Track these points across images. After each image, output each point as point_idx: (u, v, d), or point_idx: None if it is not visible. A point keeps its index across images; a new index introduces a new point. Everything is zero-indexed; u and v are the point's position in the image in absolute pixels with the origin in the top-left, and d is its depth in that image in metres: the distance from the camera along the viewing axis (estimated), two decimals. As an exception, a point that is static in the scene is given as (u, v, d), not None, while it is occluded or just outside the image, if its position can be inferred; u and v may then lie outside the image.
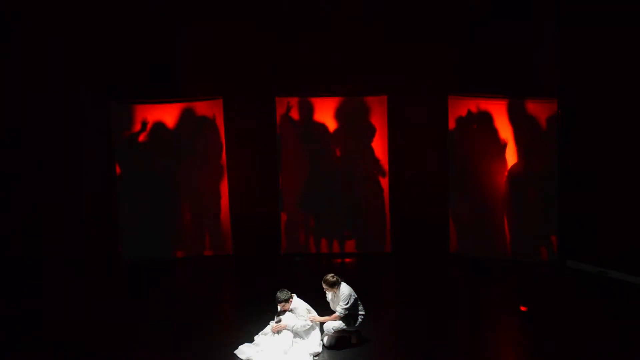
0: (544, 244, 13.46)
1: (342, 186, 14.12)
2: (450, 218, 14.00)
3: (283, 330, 10.78)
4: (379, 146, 13.94)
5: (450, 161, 13.86)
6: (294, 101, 13.90)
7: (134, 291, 13.18)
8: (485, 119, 13.53)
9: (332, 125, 13.97)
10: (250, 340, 10.94)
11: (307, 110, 13.96)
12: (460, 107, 13.65)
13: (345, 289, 10.96)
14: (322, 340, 10.98)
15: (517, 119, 13.34)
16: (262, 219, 15.31)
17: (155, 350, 10.97)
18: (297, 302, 10.96)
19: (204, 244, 14.25)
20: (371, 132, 13.93)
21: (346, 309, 10.88)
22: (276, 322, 10.86)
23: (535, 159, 13.32)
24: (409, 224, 15.14)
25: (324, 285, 10.96)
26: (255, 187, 15.58)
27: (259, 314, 11.60)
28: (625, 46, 12.48)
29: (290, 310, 10.90)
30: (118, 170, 13.90)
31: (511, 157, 13.47)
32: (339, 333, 10.99)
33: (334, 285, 10.92)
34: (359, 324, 11.03)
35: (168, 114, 13.88)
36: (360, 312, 11.02)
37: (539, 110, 13.19)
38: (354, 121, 13.96)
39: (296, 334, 10.84)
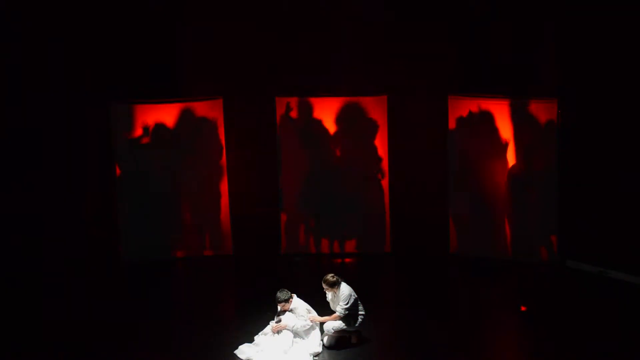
0: (544, 244, 13.46)
1: (342, 186, 14.12)
2: (450, 218, 14.00)
3: (283, 330, 10.78)
4: (379, 146, 13.94)
5: (450, 161, 13.86)
6: (294, 101, 13.90)
7: (134, 291, 13.18)
8: (486, 119, 13.53)
9: (332, 125, 13.98)
10: (250, 340, 10.94)
11: (307, 110, 13.97)
12: (460, 107, 13.65)
13: (345, 289, 10.96)
14: (322, 340, 10.98)
15: (517, 119, 13.34)
16: (262, 219, 15.31)
17: (155, 350, 10.97)
18: (297, 302, 10.96)
19: (204, 244, 14.25)
20: (371, 132, 13.93)
21: (346, 309, 10.88)
22: (276, 322, 10.86)
23: (535, 159, 13.32)
24: (409, 224, 15.14)
25: (324, 285, 10.97)
26: (255, 187, 15.58)
27: (259, 314, 11.60)
28: (625, 46, 12.48)
29: (290, 310, 10.90)
30: (118, 170, 13.90)
31: (511, 157, 13.47)
32: (339, 333, 10.99)
33: (334, 285, 10.92)
34: (359, 324, 11.03)
35: (168, 114, 13.88)
36: (360, 312, 11.02)
37: (539, 110, 13.19)
38: (354, 121, 13.96)
39: (296, 334, 10.84)
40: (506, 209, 13.62)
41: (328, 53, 15.28)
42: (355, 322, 11.00)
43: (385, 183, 14.03)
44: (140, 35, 14.95)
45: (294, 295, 11.00)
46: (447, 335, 11.28)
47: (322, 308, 11.13)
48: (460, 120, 13.69)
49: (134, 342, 11.24)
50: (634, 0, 12.33)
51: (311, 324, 10.91)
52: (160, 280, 13.50)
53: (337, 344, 10.98)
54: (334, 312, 10.99)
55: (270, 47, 15.39)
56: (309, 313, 11.00)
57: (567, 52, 13.19)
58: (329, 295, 11.08)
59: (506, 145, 13.48)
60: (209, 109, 13.91)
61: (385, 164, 13.96)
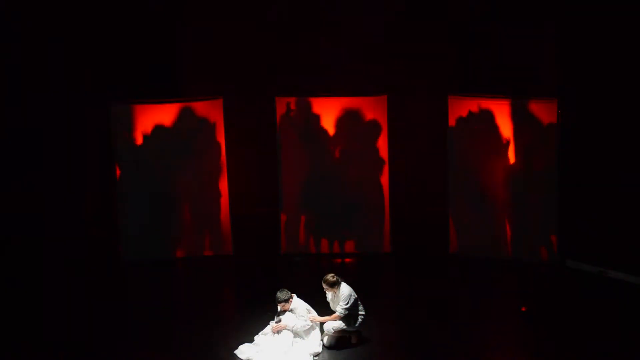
0: (544, 244, 13.46)
1: (342, 186, 14.12)
2: (450, 218, 14.00)
3: (283, 330, 10.78)
4: (379, 146, 13.94)
5: (450, 161, 13.86)
6: (294, 101, 13.90)
7: (134, 291, 13.18)
8: (486, 119, 13.53)
9: (331, 125, 13.98)
10: (250, 340, 10.94)
11: (307, 111, 13.97)
12: (460, 107, 13.65)
13: (345, 289, 10.96)
14: (322, 340, 10.98)
15: (517, 119, 13.34)
16: (262, 219, 15.31)
17: (155, 350, 10.97)
18: (297, 302, 10.96)
19: (204, 244, 14.25)
20: (371, 132, 13.93)
21: (346, 309, 10.88)
22: (276, 322, 10.86)
23: (535, 159, 13.32)
24: (409, 224, 15.14)
25: (324, 285, 10.97)
26: (255, 187, 15.58)
27: (259, 314, 11.60)
28: (625, 46, 12.48)
29: (290, 310, 10.90)
30: (118, 170, 13.91)
31: (511, 157, 13.47)
32: (339, 333, 10.99)
33: (334, 285, 10.92)
34: (359, 324, 11.03)
35: (168, 114, 13.88)
36: (360, 312, 11.02)
37: (539, 110, 13.19)
38: (353, 121, 13.96)
39: (296, 334, 10.84)
40: (506, 209, 13.62)
41: (328, 53, 15.29)
42: (355, 322, 11.00)
43: (385, 183, 14.03)
44: (140, 35, 14.95)
45: (294, 295, 11.00)
46: (447, 335, 11.28)
47: (322, 308, 11.13)
48: (460, 120, 13.69)
49: (134, 342, 11.24)
50: (633, 1, 12.34)
51: (311, 324, 10.91)
52: (160, 280, 13.50)
53: (337, 344, 10.98)
54: (334, 312, 10.99)
55: (270, 47, 15.39)
56: (309, 313, 11.00)
57: (567, 52, 13.19)
58: (329, 295, 11.08)
59: (506, 145, 13.48)
60: (209, 109, 13.91)
61: (385, 164, 13.96)
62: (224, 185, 14.08)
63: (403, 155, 14.85)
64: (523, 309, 12.03)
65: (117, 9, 14.76)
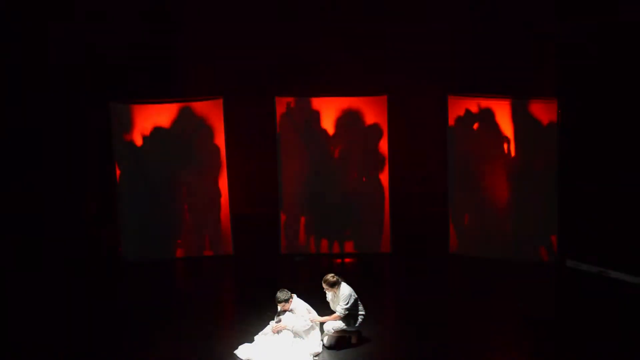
0: (544, 244, 13.46)
1: (342, 186, 14.12)
2: (450, 218, 14.00)
3: (283, 330, 10.78)
4: (379, 146, 13.94)
5: (450, 161, 13.87)
6: (294, 101, 13.90)
7: (134, 291, 13.18)
8: (486, 119, 13.53)
9: (331, 125, 13.98)
10: (250, 340, 10.94)
11: (307, 111, 13.97)
12: (460, 107, 13.65)
13: (345, 289, 10.96)
14: (322, 340, 10.98)
15: (517, 119, 13.34)
16: (262, 219, 15.30)
17: (155, 350, 10.97)
18: (297, 302, 10.96)
19: (204, 244, 14.25)
20: (371, 132, 13.93)
21: (346, 309, 10.88)
22: (276, 322, 10.86)
23: (535, 159, 13.32)
24: (409, 224, 15.14)
25: (324, 285, 10.96)
26: (255, 187, 15.58)
27: (259, 314, 11.60)
28: (625, 46, 12.48)
29: (290, 310, 10.90)
30: (118, 170, 13.91)
31: (511, 157, 13.47)
32: (339, 333, 10.99)
33: (334, 285, 10.92)
34: (359, 324, 11.03)
35: (168, 114, 13.88)
36: (360, 312, 11.02)
37: (539, 110, 13.19)
38: (353, 121, 13.96)
39: (296, 334, 10.84)
40: (506, 209, 13.62)
41: (328, 53, 15.29)
42: (355, 322, 11.00)
43: (385, 183, 14.03)
44: (140, 35, 14.95)
45: (294, 295, 11.00)
46: (447, 336, 11.28)
47: (322, 308, 11.13)
48: (460, 120, 13.69)
49: (134, 342, 11.24)
50: (633, 1, 12.34)
51: (311, 324, 10.91)
52: (160, 280, 13.50)
53: (337, 344, 10.98)
54: (334, 312, 11.00)
55: (270, 47, 15.39)
56: (309, 313, 10.99)
57: (567, 52, 13.19)
58: (329, 295, 11.08)
59: (506, 145, 13.48)
60: (209, 109, 13.91)
61: (385, 164, 13.96)
62: (223, 185, 14.08)
63: (403, 155, 14.85)
64: (519, 305, 12.06)
65: (117, 9, 14.75)
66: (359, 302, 11.04)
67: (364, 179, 14.12)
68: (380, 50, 15.27)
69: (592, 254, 13.11)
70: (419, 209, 15.47)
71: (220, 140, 13.95)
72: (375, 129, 13.92)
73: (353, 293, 10.97)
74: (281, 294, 10.87)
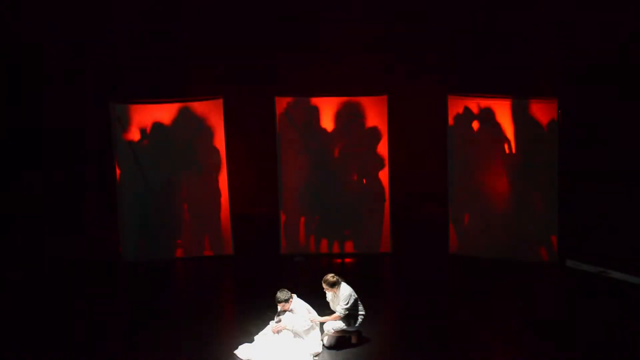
0: (544, 244, 13.46)
1: (342, 186, 14.12)
2: (450, 218, 14.00)
3: (283, 330, 10.78)
4: (379, 146, 13.94)
5: (450, 161, 13.86)
6: (293, 101, 13.90)
7: (134, 291, 13.18)
8: (485, 119, 13.53)
9: (331, 125, 13.97)
10: (250, 340, 10.94)
11: (306, 110, 13.97)
12: (460, 107, 13.65)
13: (345, 289, 10.96)
14: (322, 340, 10.97)
15: (517, 118, 13.33)
16: (262, 219, 15.30)
17: (155, 351, 10.96)
18: (297, 302, 10.96)
19: (204, 244, 14.24)
20: (371, 131, 13.93)
21: (346, 309, 10.88)
22: (276, 322, 10.85)
23: (535, 159, 13.31)
24: (409, 224, 15.13)
25: (324, 285, 10.96)
26: (255, 187, 15.57)
27: (259, 314, 11.60)
28: (625, 46, 12.48)
29: (290, 310, 10.90)
30: (118, 170, 13.90)
31: (511, 157, 13.47)
32: (339, 333, 10.99)
33: (334, 285, 10.91)
34: (359, 324, 11.03)
35: (168, 114, 13.88)
36: (360, 312, 11.02)
37: (539, 110, 13.19)
38: (353, 121, 13.96)
39: (296, 334, 10.83)
40: (506, 209, 13.61)
41: (328, 53, 15.28)
42: (355, 322, 11.00)
43: (385, 182, 14.02)
44: (141, 35, 14.95)
45: (294, 296, 11.00)
46: (447, 335, 11.28)
47: (322, 308, 11.13)
48: (460, 120, 13.69)
49: (134, 343, 11.24)
50: (633, 1, 12.35)
51: (311, 324, 10.90)
52: (160, 280, 13.50)
53: (337, 344, 10.98)
54: (334, 312, 10.99)
55: (270, 47, 15.39)
56: (309, 313, 10.99)
57: (567, 52, 13.20)
58: (329, 295, 11.08)
59: (506, 145, 13.48)
60: (209, 109, 13.90)
61: (385, 164, 13.96)
62: (224, 185, 14.08)
63: (403, 155, 14.84)
64: (520, 304, 12.05)
65: (117, 9, 14.75)
66: (359, 302, 11.04)
67: (364, 179, 14.11)
68: (380, 50, 15.25)
69: (592, 254, 13.11)
70: (419, 209, 15.46)
71: (220, 140, 13.94)
72: (375, 129, 13.92)
73: (353, 293, 10.97)
74: (281, 294, 10.86)
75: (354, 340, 11.06)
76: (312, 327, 10.93)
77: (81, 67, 14.74)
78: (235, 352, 10.76)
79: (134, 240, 14.01)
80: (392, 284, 13.60)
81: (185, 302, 12.63)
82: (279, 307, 10.92)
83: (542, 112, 13.17)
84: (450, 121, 13.74)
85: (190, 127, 13.90)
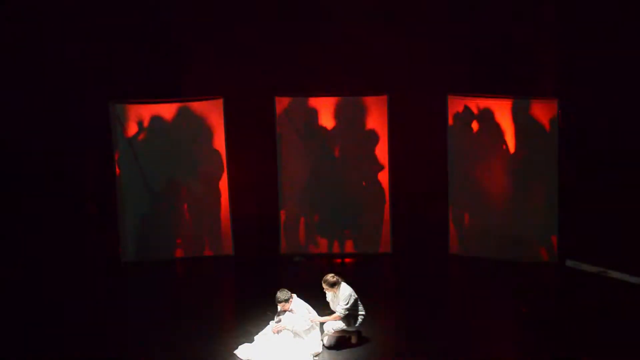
0: (544, 244, 13.46)
1: (342, 186, 14.12)
2: (450, 218, 14.00)
3: (283, 330, 10.78)
4: (379, 146, 13.94)
5: (450, 161, 13.86)
6: (293, 101, 13.90)
7: (134, 291, 13.18)
8: (486, 118, 13.53)
9: (331, 125, 13.98)
10: (250, 340, 10.94)
11: (306, 110, 13.97)
12: (460, 107, 13.65)
13: (345, 289, 10.96)
14: (322, 340, 10.97)
15: (517, 118, 13.34)
16: (262, 219, 15.29)
17: (155, 351, 10.96)
18: (297, 302, 10.96)
19: (203, 244, 14.24)
20: (371, 131, 13.93)
21: (346, 309, 10.88)
22: (276, 322, 10.85)
23: (535, 159, 13.32)
24: (409, 224, 15.13)
25: (324, 285, 10.96)
26: (255, 187, 15.56)
27: (259, 314, 11.60)
28: (625, 45, 12.48)
29: (290, 310, 10.90)
30: (118, 170, 13.91)
31: (511, 157, 13.47)
32: (339, 333, 10.99)
33: (334, 285, 10.92)
34: (359, 324, 11.03)
35: (168, 114, 13.88)
36: (360, 312, 11.02)
37: (539, 110, 13.19)
38: (353, 121, 13.96)
39: (296, 334, 10.84)
40: (506, 209, 13.61)
41: (328, 53, 15.27)
42: (355, 322, 11.00)
43: (385, 183, 14.03)
44: (141, 34, 14.94)
45: (294, 296, 11.00)
46: (447, 335, 11.28)
47: (322, 308, 11.13)
48: (460, 119, 13.69)
49: (134, 343, 11.24)
50: (633, 1, 12.35)
51: (311, 324, 10.90)
52: (160, 280, 13.50)
53: (337, 344, 10.98)
54: (334, 312, 10.99)
55: (270, 47, 15.38)
56: (309, 313, 10.99)
57: (567, 52, 13.19)
58: (329, 296, 11.08)
59: (506, 145, 13.48)
60: (209, 109, 13.91)
61: (385, 164, 13.96)
62: (224, 185, 14.08)
63: (403, 155, 14.83)
64: (524, 310, 12.02)
65: (117, 9, 14.75)
66: (359, 302, 11.04)
67: (363, 179, 14.11)
68: (380, 50, 15.25)
69: (592, 254, 13.11)
70: (419, 209, 15.46)
71: (220, 140, 13.94)
72: (375, 128, 13.91)
73: (353, 293, 10.97)
74: (281, 294, 10.87)
75: (354, 340, 11.06)
76: (312, 327, 10.93)
77: (81, 67, 14.72)
78: (235, 352, 10.76)
79: (134, 240, 14.01)
80: (392, 284, 13.60)
81: (185, 302, 12.63)
82: (279, 307, 10.92)
83: (542, 112, 13.18)
84: (450, 121, 13.75)
85: (190, 127, 13.90)
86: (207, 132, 13.94)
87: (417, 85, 15.25)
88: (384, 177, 14.03)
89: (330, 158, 14.08)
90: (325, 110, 13.96)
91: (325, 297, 11.12)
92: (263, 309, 11.58)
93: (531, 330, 11.39)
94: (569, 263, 13.31)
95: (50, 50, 14.38)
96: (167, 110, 13.89)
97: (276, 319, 10.92)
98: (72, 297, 12.74)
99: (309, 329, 10.90)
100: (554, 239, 13.37)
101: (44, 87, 14.47)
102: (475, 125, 13.63)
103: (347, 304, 10.87)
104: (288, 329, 10.79)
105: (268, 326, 10.97)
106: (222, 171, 14.05)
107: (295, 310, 10.89)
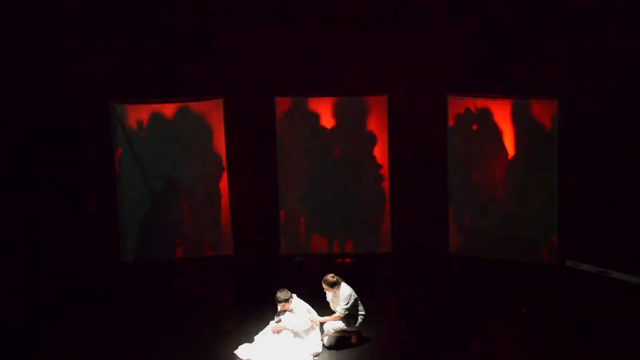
0: (544, 244, 13.46)
1: (342, 186, 14.12)
2: (450, 218, 13.99)
3: (283, 330, 10.78)
4: (379, 146, 13.94)
5: (450, 161, 13.86)
6: (293, 101, 13.90)
7: (134, 291, 13.18)
8: (485, 118, 13.53)
9: (331, 125, 13.98)
10: (250, 340, 10.94)
11: (307, 110, 13.97)
12: (460, 107, 13.66)
13: (345, 289, 10.96)
14: (322, 340, 10.98)
15: (517, 118, 13.34)
16: (262, 219, 15.28)
17: (155, 351, 10.96)
18: (297, 302, 10.96)
19: (204, 244, 14.25)
20: (371, 131, 13.93)
21: (346, 309, 10.88)
22: (276, 322, 10.86)
23: (535, 159, 13.32)
24: (409, 224, 15.11)
25: (324, 285, 10.97)
26: (255, 187, 15.55)
27: (259, 314, 11.60)
28: (625, 45, 12.48)
29: (290, 310, 10.90)
30: (118, 169, 13.90)
31: (511, 156, 13.47)
32: (339, 333, 10.99)
33: (334, 285, 10.92)
34: (359, 324, 11.03)
35: (168, 114, 13.88)
36: (360, 312, 11.02)
37: (539, 110, 13.19)
38: (353, 121, 13.96)
39: (296, 334, 10.84)
40: (506, 209, 13.61)
41: (328, 53, 15.25)
42: (355, 322, 11.00)
43: (385, 183, 14.03)
44: (141, 34, 14.93)
45: (294, 295, 11.00)
46: (447, 335, 11.28)
47: (322, 308, 11.13)
48: (460, 120, 13.70)
49: (134, 343, 11.24)
50: (633, 1, 12.35)
51: (311, 324, 10.91)
52: (160, 280, 13.50)
53: (337, 344, 10.98)
54: (334, 312, 11.00)
55: (270, 47, 15.36)
56: (309, 313, 11.00)
57: (567, 52, 13.19)
58: (329, 296, 11.08)
59: (506, 145, 13.48)
60: (209, 109, 13.91)
61: (385, 164, 13.96)
62: (224, 185, 14.09)
63: (403, 155, 14.82)
64: (524, 309, 12.03)
65: (117, 9, 14.74)
66: (359, 302, 11.04)
67: (363, 179, 14.11)
68: (380, 50, 15.23)
69: (592, 254, 13.11)
70: (419, 209, 15.44)
71: (220, 140, 13.95)
72: (375, 128, 13.92)
73: (353, 293, 10.97)
74: (281, 294, 10.87)
75: (354, 340, 11.06)
76: (312, 327, 10.93)
77: (81, 67, 14.71)
78: (235, 352, 10.76)
79: (134, 240, 14.01)
80: (392, 284, 13.60)
81: (185, 302, 12.63)
82: (279, 307, 10.92)
83: (542, 112, 13.17)
84: (450, 121, 13.75)
85: (190, 127, 13.90)
86: (207, 132, 13.94)
87: (417, 85, 15.24)
88: (384, 176, 14.02)
89: (330, 158, 14.08)
90: (325, 111, 13.96)
91: (325, 297, 11.12)
92: (263, 309, 11.58)
93: (531, 330, 11.39)
94: (569, 263, 13.32)
95: (50, 50, 14.37)
96: (168, 110, 13.89)
97: (276, 319, 10.92)
98: (72, 297, 12.73)
99: (309, 329, 10.91)
100: (554, 239, 13.37)
101: (44, 87, 14.46)
102: (475, 125, 13.62)
103: (347, 304, 10.87)
104: (288, 329, 10.79)
105: (268, 326, 10.98)
106: (222, 171, 14.06)
107: (295, 310, 10.90)
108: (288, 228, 14.29)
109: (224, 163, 14.03)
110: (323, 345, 10.96)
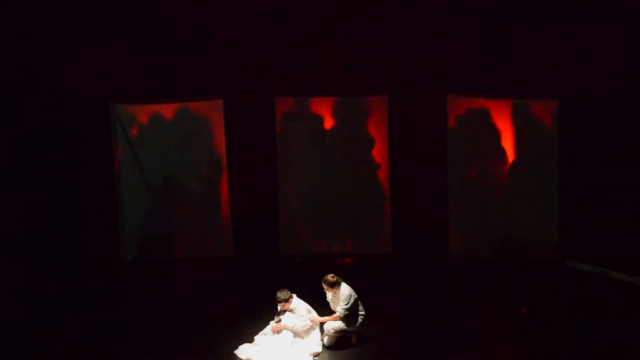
0: (544, 244, 13.46)
1: (342, 186, 14.12)
2: (450, 218, 13.99)
3: (283, 330, 10.78)
4: (379, 146, 13.94)
5: (450, 161, 13.86)
6: (293, 101, 13.91)
7: (134, 291, 13.17)
8: (485, 119, 13.53)
9: (331, 125, 13.97)
10: (250, 340, 10.94)
11: (306, 110, 13.97)
12: (460, 107, 13.66)
13: (345, 289, 10.96)
14: (322, 340, 10.98)
15: (517, 118, 13.34)
16: (262, 219, 15.29)
17: (155, 351, 10.96)
18: (297, 302, 10.97)
19: (204, 244, 14.24)
20: (371, 132, 13.93)
21: (346, 309, 10.88)
22: (276, 322, 10.86)
23: (535, 159, 13.32)
24: (409, 224, 15.12)
25: (324, 286, 10.97)
26: (255, 187, 15.56)
27: (259, 314, 11.60)
28: (625, 45, 12.49)
29: (290, 310, 10.90)
30: (118, 169, 13.90)
31: (511, 157, 13.47)
32: (339, 333, 10.99)
33: (334, 285, 10.92)
34: (359, 324, 11.03)
35: (168, 114, 13.89)
36: (360, 312, 11.03)
37: (539, 110, 13.19)
38: (353, 121, 13.96)
39: (296, 334, 10.84)
40: (506, 209, 13.61)
41: (328, 53, 15.26)
42: (355, 322, 11.00)
43: (385, 183, 14.03)
44: (141, 34, 14.94)
45: (294, 295, 11.01)
46: (447, 335, 11.28)
47: (322, 308, 11.13)
48: (460, 120, 13.69)
49: (134, 343, 11.24)
50: (633, 1, 12.35)
51: (311, 324, 10.91)
52: (160, 280, 13.50)
53: (337, 344, 10.98)
54: (334, 312, 11.00)
55: (270, 47, 15.37)
56: (309, 313, 11.00)
57: (567, 52, 13.20)
58: (329, 296, 11.08)
59: (506, 145, 13.48)
60: (209, 109, 13.91)
61: (385, 164, 13.95)
62: (224, 185, 14.09)
63: (403, 155, 14.83)
64: (524, 309, 12.03)
65: (117, 9, 14.74)
66: (359, 302, 11.04)
67: (364, 179, 14.11)
68: (380, 50, 15.24)
69: (592, 254, 13.11)
70: (419, 209, 15.45)
71: (220, 140, 13.95)
72: (375, 128, 13.92)
73: (353, 293, 10.97)
74: (281, 294, 10.87)
75: (354, 340, 11.06)
76: (312, 327, 10.93)
77: (81, 67, 14.71)
78: (235, 352, 10.76)
79: (134, 240, 14.01)
80: (392, 284, 13.60)
81: (186, 302, 12.63)
82: (279, 307, 10.92)
83: (542, 112, 13.17)
84: (451, 121, 13.75)
85: (190, 127, 13.90)
86: (207, 132, 13.94)
87: (417, 86, 15.24)
88: (384, 176, 14.02)
89: (330, 158, 14.08)
90: (325, 110, 13.96)
91: (325, 297, 11.12)
92: (263, 309, 11.58)
93: (531, 330, 11.39)
94: (569, 263, 13.32)
95: (50, 50, 14.37)
96: (168, 110, 13.89)
97: (276, 319, 10.92)
98: (72, 297, 12.73)
99: (309, 329, 10.91)
100: (554, 239, 13.37)
101: (44, 87, 14.46)
102: (475, 126, 13.61)
103: (347, 304, 10.87)
104: (288, 329, 10.79)
105: (268, 326, 10.97)
106: (222, 171, 14.06)
107: (295, 310, 10.90)
108: (288, 228, 14.28)
109: (224, 163, 14.02)
110: (323, 345, 10.96)
